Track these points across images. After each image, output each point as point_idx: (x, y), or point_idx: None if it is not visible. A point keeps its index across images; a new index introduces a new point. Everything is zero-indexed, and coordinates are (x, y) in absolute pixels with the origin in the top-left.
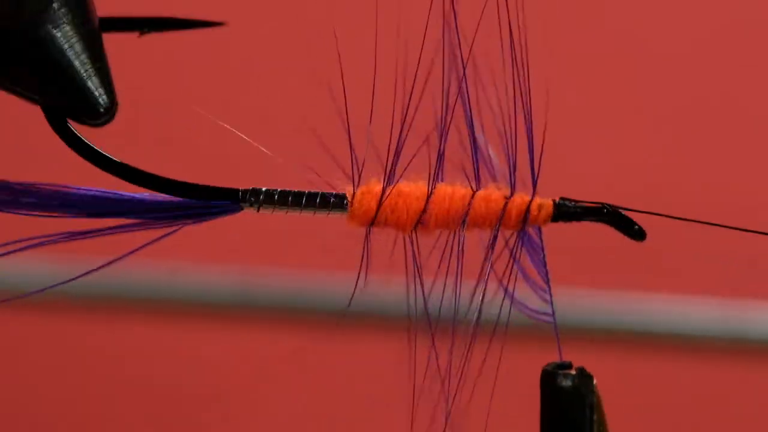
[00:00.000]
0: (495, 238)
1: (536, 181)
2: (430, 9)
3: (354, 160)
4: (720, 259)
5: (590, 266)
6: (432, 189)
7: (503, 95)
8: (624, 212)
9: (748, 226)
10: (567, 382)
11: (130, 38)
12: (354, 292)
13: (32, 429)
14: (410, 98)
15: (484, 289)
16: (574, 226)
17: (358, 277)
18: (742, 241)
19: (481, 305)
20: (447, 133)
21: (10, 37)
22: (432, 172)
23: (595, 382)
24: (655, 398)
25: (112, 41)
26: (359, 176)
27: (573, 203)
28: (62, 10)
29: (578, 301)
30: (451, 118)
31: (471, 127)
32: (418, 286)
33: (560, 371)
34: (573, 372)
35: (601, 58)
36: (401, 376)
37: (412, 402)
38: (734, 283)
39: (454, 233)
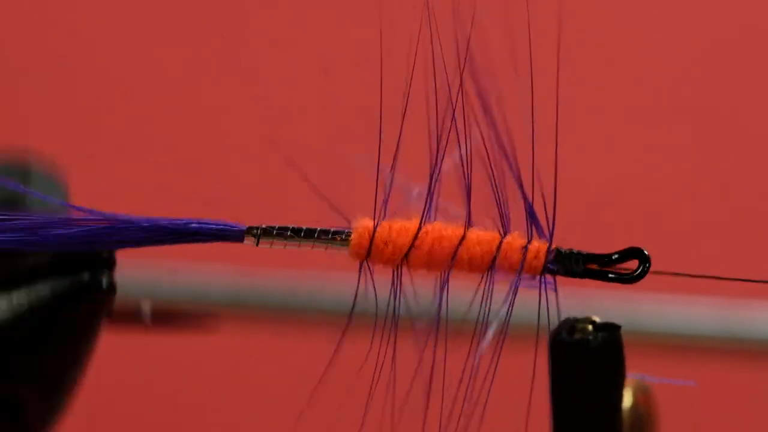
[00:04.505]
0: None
1: (531, 232)
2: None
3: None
4: (720, 259)
5: None
6: (421, 228)
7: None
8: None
9: (748, 225)
10: (571, 336)
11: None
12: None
13: None
14: (399, 137)
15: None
16: (573, 225)
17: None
18: (743, 242)
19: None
20: (440, 169)
21: None
22: (424, 210)
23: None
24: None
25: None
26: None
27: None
28: None
29: (578, 302)
30: (445, 151)
31: (468, 163)
32: (422, 289)
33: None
34: (588, 326)
35: (601, 60)
36: (403, 377)
37: (416, 404)
38: (734, 283)
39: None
